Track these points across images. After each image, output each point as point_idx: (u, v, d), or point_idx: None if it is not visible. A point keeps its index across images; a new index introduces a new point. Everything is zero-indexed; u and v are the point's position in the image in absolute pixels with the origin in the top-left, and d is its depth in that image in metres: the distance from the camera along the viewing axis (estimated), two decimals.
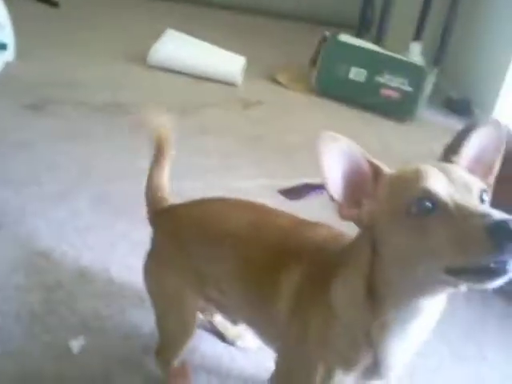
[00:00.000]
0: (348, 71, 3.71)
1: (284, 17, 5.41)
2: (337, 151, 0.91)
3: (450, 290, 0.89)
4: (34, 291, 1.74)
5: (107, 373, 1.51)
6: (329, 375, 1.04)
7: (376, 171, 0.94)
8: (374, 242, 0.92)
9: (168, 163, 1.54)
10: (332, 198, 0.93)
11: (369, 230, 0.94)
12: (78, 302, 1.73)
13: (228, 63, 3.80)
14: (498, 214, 0.77)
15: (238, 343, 1.55)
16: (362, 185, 0.94)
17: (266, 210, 1.29)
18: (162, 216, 1.41)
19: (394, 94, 3.65)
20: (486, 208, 0.83)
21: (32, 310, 1.67)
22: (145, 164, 2.51)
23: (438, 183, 0.85)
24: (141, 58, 3.77)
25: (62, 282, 1.79)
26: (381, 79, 3.64)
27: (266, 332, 1.26)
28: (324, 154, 0.90)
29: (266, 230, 1.21)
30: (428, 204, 0.83)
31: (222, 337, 1.61)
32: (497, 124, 1.01)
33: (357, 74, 3.69)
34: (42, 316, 1.66)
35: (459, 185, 0.86)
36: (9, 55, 3.42)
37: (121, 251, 1.93)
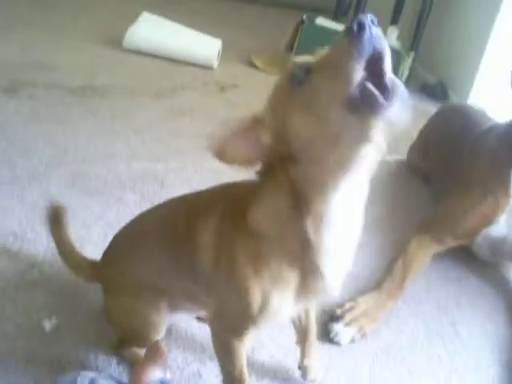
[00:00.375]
0: None
1: (260, 1, 5.38)
2: (232, 143, 0.96)
3: (366, 146, 0.89)
4: (6, 273, 1.72)
5: (80, 353, 1.50)
6: (265, 300, 1.05)
7: (259, 122, 0.98)
8: (283, 153, 0.95)
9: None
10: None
11: (276, 151, 0.96)
12: (51, 282, 1.71)
13: (204, 46, 3.77)
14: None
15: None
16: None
17: (182, 197, 1.33)
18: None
19: None
20: None
21: (4, 291, 1.65)
22: (120, 147, 2.54)
23: (302, 57, 0.94)
24: (117, 42, 3.73)
25: (34, 263, 1.77)
26: None
27: (201, 296, 1.28)
28: (222, 155, 0.96)
29: (175, 210, 1.30)
30: (301, 72, 0.89)
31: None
32: None
33: None
34: (14, 297, 1.64)
35: (324, 51, 0.91)
36: None
37: (95, 232, 1.92)
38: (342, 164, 0.90)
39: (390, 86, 0.83)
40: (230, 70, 3.75)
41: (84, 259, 1.54)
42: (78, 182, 2.21)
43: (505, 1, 3.47)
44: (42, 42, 3.61)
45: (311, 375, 1.50)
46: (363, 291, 1.88)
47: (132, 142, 2.60)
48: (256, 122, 0.97)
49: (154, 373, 1.27)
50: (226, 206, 1.12)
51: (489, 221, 1.97)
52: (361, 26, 0.81)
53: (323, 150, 0.89)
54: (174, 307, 1.39)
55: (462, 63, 3.93)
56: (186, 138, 2.69)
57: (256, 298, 1.05)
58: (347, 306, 1.76)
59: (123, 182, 2.26)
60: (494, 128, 2.20)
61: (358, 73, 0.82)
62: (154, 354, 1.35)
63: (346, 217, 0.99)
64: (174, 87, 3.31)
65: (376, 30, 0.83)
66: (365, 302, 1.78)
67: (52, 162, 2.31)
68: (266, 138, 0.96)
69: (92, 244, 1.82)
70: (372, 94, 0.82)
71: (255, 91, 3.49)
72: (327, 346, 1.66)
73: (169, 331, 1.58)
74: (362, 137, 0.87)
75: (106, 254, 1.46)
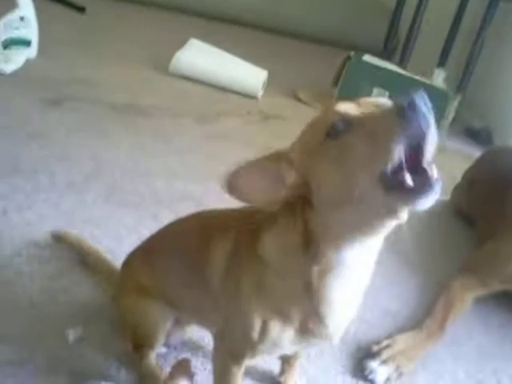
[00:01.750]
0: (370, 91, 3.65)
1: (309, 39, 5.38)
2: (246, 180, 0.94)
3: (390, 222, 0.88)
4: (35, 279, 1.67)
5: (103, 366, 1.44)
6: (265, 329, 1.02)
7: (284, 156, 0.95)
8: (305, 194, 0.92)
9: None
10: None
11: (297, 188, 0.93)
12: (80, 292, 1.66)
13: (249, 75, 3.75)
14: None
15: None
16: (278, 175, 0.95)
17: (204, 212, 1.36)
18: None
19: None
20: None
21: (31, 298, 1.60)
22: (158, 164, 2.51)
23: (345, 105, 0.88)
24: (163, 66, 3.74)
25: (64, 271, 1.72)
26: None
27: (209, 314, 1.27)
28: (236, 191, 0.94)
29: (195, 223, 1.31)
30: (340, 123, 0.85)
31: None
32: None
33: (379, 94, 3.63)
34: (40, 304, 1.59)
35: (368, 105, 0.88)
36: (31, 52, 3.42)
37: (128, 244, 1.86)
38: (360, 227, 0.89)
39: (426, 173, 0.81)
40: (274, 101, 3.72)
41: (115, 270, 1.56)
42: (115, 195, 2.18)
43: None
44: (89, 61, 3.64)
45: None
46: (401, 329, 1.79)
47: (171, 162, 2.57)
48: (281, 159, 0.94)
49: None
50: (241, 230, 1.11)
51: None
52: (413, 107, 0.77)
53: (343, 208, 0.87)
54: (185, 321, 1.43)
55: (509, 108, 3.85)
56: (225, 162, 2.63)
57: (256, 325, 1.03)
58: (384, 343, 1.67)
59: (160, 200, 2.23)
60: None
61: (398, 153, 0.79)
62: (180, 373, 1.28)
63: (354, 271, 0.97)
64: (217, 113, 3.29)
65: (427, 114, 0.79)
66: (403, 341, 1.69)
67: (91, 174, 2.29)
68: (291, 176, 0.94)
69: (122, 256, 1.77)
70: (405, 182, 0.80)
71: (298, 123, 3.39)
72: None
73: (196, 351, 1.52)
74: (386, 211, 0.86)
75: (129, 255, 1.49)
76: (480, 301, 1.96)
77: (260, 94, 3.72)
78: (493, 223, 2.18)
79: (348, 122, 0.84)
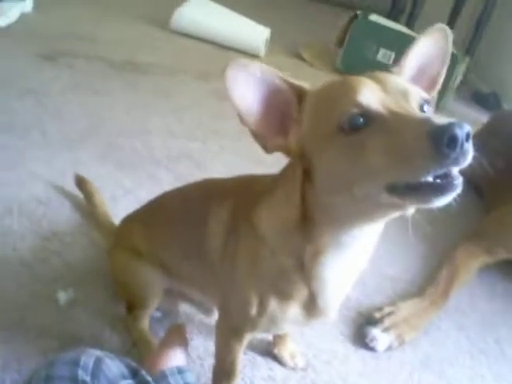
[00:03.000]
0: (376, 52, 3.55)
1: None
2: (247, 78, 0.81)
3: (395, 214, 0.80)
4: (26, 238, 1.62)
5: (95, 330, 1.39)
6: (262, 305, 0.98)
7: (299, 92, 0.84)
8: (306, 169, 0.84)
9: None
10: (253, 133, 0.83)
11: (299, 158, 0.84)
12: (72, 254, 1.60)
13: (252, 33, 3.64)
14: (440, 119, 0.67)
15: (289, 361, 1.42)
16: (286, 110, 0.85)
17: (205, 180, 1.28)
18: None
19: None
20: (425, 114, 0.75)
21: (22, 257, 1.55)
22: (157, 122, 2.43)
23: (369, 94, 0.76)
24: (163, 22, 3.65)
25: (57, 232, 1.67)
26: None
27: (208, 286, 1.23)
28: (232, 83, 0.80)
29: (195, 192, 1.24)
30: (359, 118, 0.74)
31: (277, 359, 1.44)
32: (443, 30, 0.90)
33: (385, 55, 3.54)
34: (31, 264, 1.53)
35: (395, 93, 0.77)
36: (26, 5, 3.34)
37: (123, 206, 1.80)
38: (361, 215, 0.82)
39: (449, 174, 0.70)
40: (276, 60, 3.63)
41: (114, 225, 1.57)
42: (111, 153, 2.11)
43: None
44: (87, 16, 3.55)
45: (287, 362, 1.41)
46: (401, 295, 1.74)
47: (170, 120, 2.49)
48: (297, 91, 0.84)
49: (172, 359, 1.15)
50: (240, 200, 1.05)
51: None
52: (453, 145, 0.65)
53: (345, 197, 0.78)
54: (181, 294, 1.40)
55: None
56: (227, 121, 2.57)
57: (252, 300, 0.99)
58: (387, 310, 1.62)
59: (158, 159, 2.16)
60: None
61: (422, 179, 0.69)
62: (175, 338, 1.24)
63: (350, 253, 0.90)
64: (218, 70, 3.17)
65: (467, 152, 0.67)
66: (406, 308, 1.64)
67: (86, 132, 2.22)
68: (295, 124, 0.84)
69: (118, 218, 1.71)
70: (437, 190, 0.70)
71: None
72: (361, 352, 1.52)
73: (192, 318, 1.47)
74: (395, 209, 0.78)
75: (128, 215, 1.45)
76: (484, 270, 1.91)
77: (262, 52, 3.62)
78: (501, 191, 2.11)
79: (369, 118, 0.74)
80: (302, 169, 0.85)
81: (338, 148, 0.76)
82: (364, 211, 0.81)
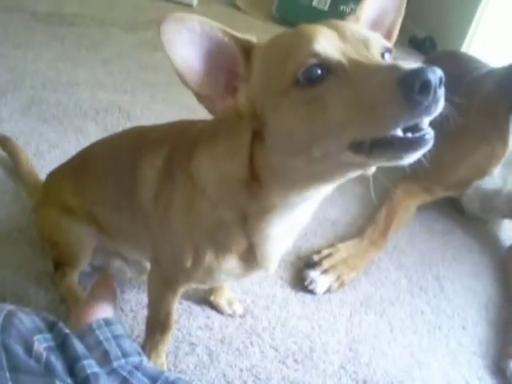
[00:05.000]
0: None
1: None
2: (185, 35, 0.71)
3: (355, 174, 0.74)
4: None
5: (20, 287, 1.31)
6: (198, 257, 0.93)
7: (245, 47, 0.75)
8: (256, 129, 0.76)
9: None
10: (197, 95, 0.74)
11: (250, 118, 0.75)
12: None
13: None
14: (408, 64, 0.61)
15: (226, 309, 1.38)
16: (232, 67, 0.76)
17: (136, 127, 1.21)
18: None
19: None
20: (391, 61, 0.68)
21: None
22: (84, 75, 2.31)
23: (326, 42, 0.68)
24: None
25: None
26: (345, 8, 3.42)
27: (141, 240, 1.15)
28: (170, 41, 0.70)
29: (126, 139, 1.16)
30: (317, 69, 0.67)
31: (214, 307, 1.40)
32: None
33: (320, 1, 3.47)
34: None
35: (355, 41, 0.70)
36: None
37: (48, 161, 1.71)
38: (317, 177, 0.76)
39: (418, 128, 0.64)
40: (209, 10, 3.53)
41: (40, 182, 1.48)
42: (35, 108, 1.99)
43: None
44: None
45: (224, 309, 1.37)
46: (342, 237, 1.72)
47: (98, 72, 2.37)
48: (242, 46, 0.75)
49: (100, 312, 1.09)
50: (176, 145, 0.97)
51: (482, 171, 1.82)
52: (425, 88, 0.59)
53: (301, 160, 0.72)
54: (114, 252, 1.34)
55: (453, 17, 3.76)
56: (157, 71, 2.47)
57: (188, 250, 0.94)
58: (325, 252, 1.60)
59: (85, 111, 2.05)
60: (491, 73, 2.03)
61: (391, 132, 0.63)
62: (102, 291, 1.18)
63: (296, 212, 0.86)
64: (148, 21, 3.06)
65: (439, 94, 0.61)
66: (345, 249, 1.62)
67: (7, 86, 2.08)
68: (241, 81, 0.76)
69: (44, 173, 1.61)
70: (407, 146, 0.64)
71: (235, 31, 3.27)
72: (301, 295, 1.49)
73: (124, 270, 1.41)
74: (357, 168, 0.73)
75: (55, 169, 1.35)
76: (422, 209, 1.91)
77: (195, 1, 3.50)
78: (439, 130, 2.10)
79: (328, 68, 0.67)
80: (252, 129, 0.77)
81: (293, 104, 0.69)
82: (321, 173, 0.74)
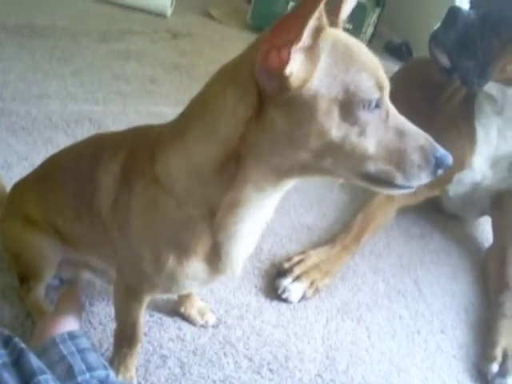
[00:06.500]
0: (286, 5, 3.48)
1: None
2: None
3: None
4: None
5: None
6: (159, 261, 0.90)
7: (320, 22, 0.68)
8: (263, 112, 0.72)
9: None
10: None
11: (274, 99, 0.71)
12: None
13: None
14: (437, 145, 0.77)
15: (198, 319, 1.34)
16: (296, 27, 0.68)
17: (98, 134, 1.18)
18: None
19: None
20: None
21: None
22: (55, 86, 2.28)
23: (386, 82, 0.75)
24: None
25: None
26: None
27: (104, 249, 1.11)
28: None
29: (85, 147, 1.13)
30: (374, 104, 0.73)
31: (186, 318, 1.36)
32: None
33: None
34: None
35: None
36: None
37: (17, 173, 1.66)
38: (302, 175, 0.79)
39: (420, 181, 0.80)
40: (184, 19, 3.50)
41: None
42: (4, 119, 1.95)
43: None
44: None
45: (196, 320, 1.34)
46: (317, 243, 1.70)
47: (69, 83, 2.33)
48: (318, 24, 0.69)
49: (65, 326, 1.05)
50: (134, 149, 0.94)
51: (461, 163, 1.79)
52: (440, 166, 0.77)
53: (301, 159, 0.75)
54: (80, 262, 1.29)
55: (429, 23, 3.74)
56: (129, 81, 2.44)
57: (148, 255, 0.91)
58: (296, 258, 1.57)
59: (55, 123, 2.01)
60: None
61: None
62: (68, 303, 1.14)
63: (265, 206, 0.86)
64: (121, 31, 3.03)
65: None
66: (315, 255, 1.59)
67: None
68: (309, 61, 0.70)
69: (9, 186, 1.58)
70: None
71: (209, 41, 3.25)
72: (276, 303, 1.46)
73: (93, 283, 1.37)
74: (341, 178, 0.80)
75: (19, 181, 1.32)
76: (400, 213, 1.89)
77: (169, 11, 3.47)
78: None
79: (378, 105, 0.74)
80: (255, 107, 0.73)
81: (338, 116, 0.71)
82: (309, 171, 0.78)
